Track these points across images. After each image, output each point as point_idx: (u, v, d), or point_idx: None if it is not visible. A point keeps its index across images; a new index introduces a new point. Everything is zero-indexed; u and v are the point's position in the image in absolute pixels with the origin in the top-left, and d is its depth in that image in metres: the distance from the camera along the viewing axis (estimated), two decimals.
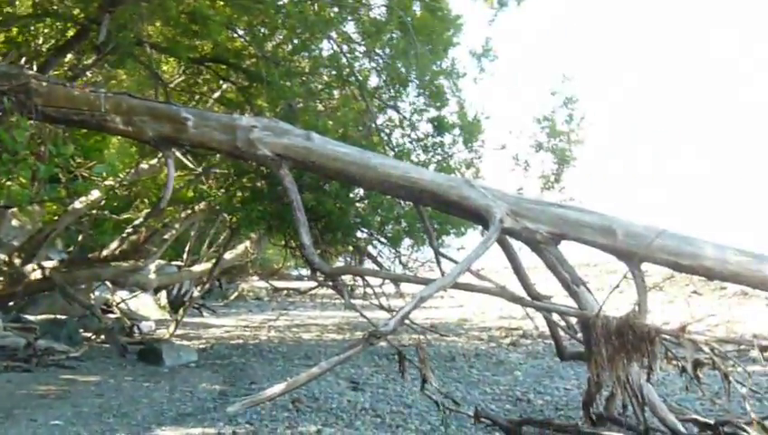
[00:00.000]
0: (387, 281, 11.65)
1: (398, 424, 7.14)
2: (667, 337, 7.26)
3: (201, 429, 6.78)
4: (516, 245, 7.80)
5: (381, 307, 10.52)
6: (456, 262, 8.14)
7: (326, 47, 11.71)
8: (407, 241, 12.32)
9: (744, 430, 6.14)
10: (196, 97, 13.63)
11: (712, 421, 6.51)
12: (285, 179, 7.60)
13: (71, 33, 11.92)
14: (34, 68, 10.38)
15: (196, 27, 10.82)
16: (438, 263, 9.05)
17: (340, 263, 13.97)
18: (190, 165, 12.94)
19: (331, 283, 9.43)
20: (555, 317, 8.19)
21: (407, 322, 6.51)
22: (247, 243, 18.25)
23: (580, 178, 12.54)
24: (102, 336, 13.15)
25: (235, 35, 12.13)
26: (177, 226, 15.26)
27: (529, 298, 7.60)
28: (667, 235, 7.25)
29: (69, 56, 12.30)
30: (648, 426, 6.56)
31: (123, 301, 17.14)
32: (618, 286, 6.55)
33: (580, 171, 12.49)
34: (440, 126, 11.40)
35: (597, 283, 27.04)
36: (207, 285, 18.64)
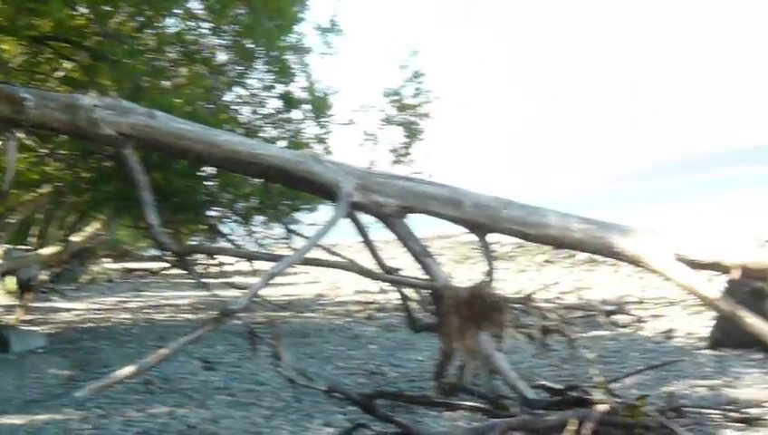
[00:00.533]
0: (241, 259, 11.58)
1: (251, 402, 7.12)
2: (516, 305, 7.44)
3: (49, 415, 6.62)
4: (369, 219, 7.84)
5: (232, 285, 10.46)
6: (307, 238, 8.16)
7: (171, 24, 11.50)
8: (259, 218, 12.26)
9: (590, 394, 6.33)
10: (38, 77, 13.20)
11: (560, 386, 6.69)
12: (130, 159, 7.44)
13: None
14: None
15: (35, 5, 10.47)
16: (289, 239, 9.05)
17: (194, 242, 13.82)
18: (34, 145, 12.55)
19: (181, 262, 9.32)
20: (408, 290, 8.29)
21: (261, 299, 6.52)
22: (97, 224, 17.85)
23: (430, 152, 12.71)
24: None
25: (77, 13, 11.78)
26: (22, 209, 14.81)
27: (379, 271, 7.67)
28: (513, 205, 7.42)
29: None
30: (498, 394, 6.70)
31: None
32: (462, 256, 6.64)
33: (429, 145, 12.66)
34: (289, 102, 11.36)
35: (452, 254, 27.49)
36: (57, 269, 18.17)
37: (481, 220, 7.32)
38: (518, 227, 7.39)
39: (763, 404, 6.82)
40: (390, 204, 7.35)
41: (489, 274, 7.23)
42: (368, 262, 8.01)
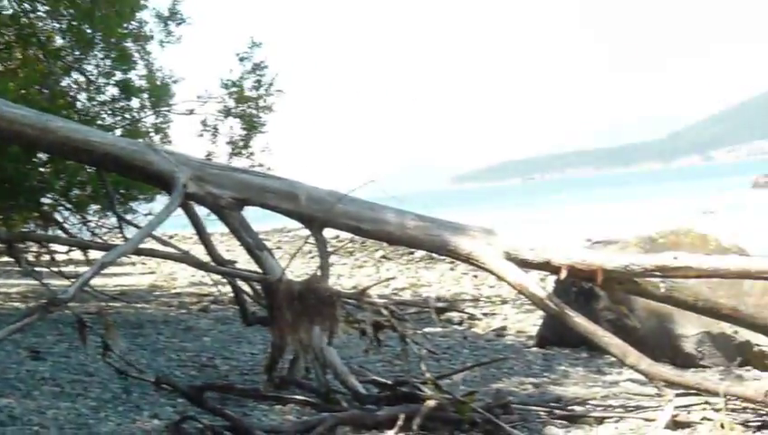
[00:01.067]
0: (73, 248, 11.33)
1: (79, 393, 6.99)
2: (349, 300, 7.52)
3: None
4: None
5: (63, 274, 10.22)
6: (140, 228, 8.06)
7: (6, 6, 11.17)
8: (94, 207, 12.03)
9: (420, 389, 6.47)
10: None
11: (390, 382, 6.81)
12: None
13: None
14: None
15: None
16: (122, 229, 8.92)
17: (25, 230, 13.44)
18: None
19: (10, 249, 9.07)
20: (244, 283, 8.28)
21: (93, 289, 6.40)
22: None
23: (271, 145, 12.72)
24: None
25: None
26: None
27: (213, 264, 7.66)
28: (348, 200, 7.50)
29: None
30: (329, 388, 6.77)
31: None
32: (300, 251, 6.69)
33: (270, 138, 12.66)
34: (127, 90, 11.19)
35: (290, 248, 27.49)
36: None
37: (316, 214, 7.38)
38: (353, 221, 7.48)
39: (588, 402, 7.11)
40: (226, 196, 7.34)
41: (324, 268, 7.30)
42: (205, 254, 7.98)
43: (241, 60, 12.13)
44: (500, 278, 7.49)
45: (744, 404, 6.50)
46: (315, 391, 6.83)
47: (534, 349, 10.04)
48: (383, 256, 25.27)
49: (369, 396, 6.63)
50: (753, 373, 8.53)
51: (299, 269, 17.15)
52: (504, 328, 11.79)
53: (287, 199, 7.45)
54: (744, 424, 6.33)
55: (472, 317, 12.58)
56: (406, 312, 8.03)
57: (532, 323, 11.73)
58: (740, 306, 7.32)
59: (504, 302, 14.46)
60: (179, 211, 7.36)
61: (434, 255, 11.37)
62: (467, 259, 7.40)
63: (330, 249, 7.86)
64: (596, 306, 9.00)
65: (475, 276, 18.62)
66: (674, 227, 10.03)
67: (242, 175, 7.62)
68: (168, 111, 11.49)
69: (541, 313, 9.73)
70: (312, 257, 20.94)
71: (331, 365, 6.85)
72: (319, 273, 7.28)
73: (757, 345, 8.64)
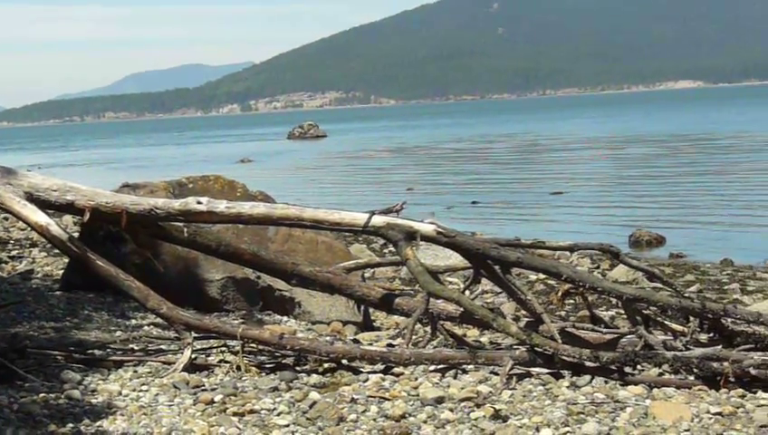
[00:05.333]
0: None
1: None
2: None
3: None
4: None
5: None
6: None
7: None
8: None
9: None
10: None
11: None
12: None
13: None
14: None
15: None
16: None
17: None
18: None
19: None
20: None
21: None
22: None
23: None
24: None
25: None
26: None
27: None
28: None
29: None
30: None
31: None
32: None
33: None
34: None
35: None
36: None
37: None
38: None
39: (108, 346, 7.01)
40: None
41: None
42: None
43: None
44: (20, 219, 7.18)
45: (261, 347, 6.74)
46: None
47: (59, 293, 9.73)
48: None
49: None
50: (273, 317, 8.87)
51: None
52: (30, 271, 11.31)
53: None
54: (260, 366, 6.58)
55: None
56: None
57: (60, 266, 11.36)
58: (261, 252, 7.53)
59: (35, 245, 13.88)
60: None
61: None
62: None
63: None
64: (124, 250, 8.87)
65: (6, 218, 17.71)
66: (204, 174, 10.13)
67: None
68: None
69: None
70: None
71: None
72: None
73: (278, 290, 8.98)
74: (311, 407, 5.59)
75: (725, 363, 5.98)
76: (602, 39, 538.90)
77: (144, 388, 6.10)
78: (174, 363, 6.46)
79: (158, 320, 7.29)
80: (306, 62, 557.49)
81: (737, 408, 5.58)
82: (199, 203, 7.06)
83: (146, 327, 7.95)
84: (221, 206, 7.13)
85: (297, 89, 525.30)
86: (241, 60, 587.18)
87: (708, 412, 5.50)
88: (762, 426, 5.27)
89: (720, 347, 6.28)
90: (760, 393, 5.86)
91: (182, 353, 6.52)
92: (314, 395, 5.86)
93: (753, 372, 5.95)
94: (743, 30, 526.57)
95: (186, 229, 7.27)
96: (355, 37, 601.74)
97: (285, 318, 8.90)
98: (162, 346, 7.07)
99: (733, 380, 5.95)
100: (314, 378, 6.32)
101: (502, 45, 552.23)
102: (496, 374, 6.17)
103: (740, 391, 5.88)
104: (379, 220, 6.91)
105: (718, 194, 23.99)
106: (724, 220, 19.15)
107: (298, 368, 6.55)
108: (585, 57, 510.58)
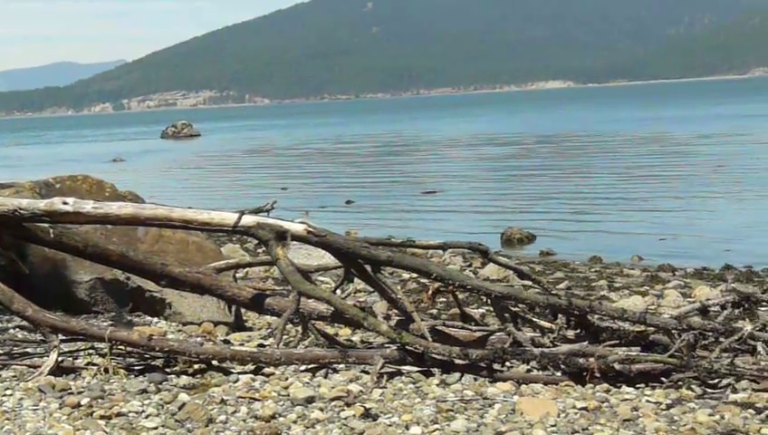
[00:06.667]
0: None
1: None
2: None
3: None
4: None
5: None
6: None
7: None
8: None
9: None
10: None
11: None
12: None
13: None
14: None
15: None
16: None
17: None
18: None
19: None
20: None
21: None
22: None
23: None
24: None
25: None
26: None
27: None
28: None
29: None
30: None
31: None
32: None
33: None
34: None
35: None
36: None
37: None
38: None
39: None
40: None
41: None
42: None
43: None
44: None
45: (130, 349, 6.63)
46: None
47: None
48: None
49: None
50: (144, 319, 8.74)
51: None
52: None
53: None
54: (128, 368, 6.47)
55: None
56: None
57: None
58: (130, 253, 7.40)
59: None
60: None
61: None
62: None
63: None
64: None
65: None
66: (73, 174, 9.90)
67: None
68: None
69: None
70: None
71: None
72: None
73: (149, 291, 8.84)
74: (180, 409, 5.53)
75: (591, 359, 6.13)
76: (476, 39, 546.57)
77: (8, 392, 5.94)
78: (40, 367, 6.31)
79: (25, 323, 7.10)
80: (180, 60, 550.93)
81: (602, 403, 5.73)
82: (65, 203, 6.91)
83: (11, 330, 7.73)
84: (87, 206, 6.98)
85: (171, 88, 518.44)
86: (113, 58, 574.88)
87: (574, 407, 5.63)
88: (625, 420, 5.43)
89: (586, 343, 6.43)
90: (624, 388, 6.03)
91: (48, 357, 6.37)
92: (184, 397, 5.80)
93: (617, 367, 6.12)
94: (610, 32, 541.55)
95: (52, 230, 7.09)
96: (229, 36, 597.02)
97: (156, 319, 8.77)
98: (28, 349, 6.91)
99: (598, 375, 6.10)
100: (184, 379, 6.25)
101: (376, 45, 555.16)
102: (367, 373, 6.20)
103: (605, 386, 6.04)
104: (249, 220, 6.88)
105: (588, 192, 24.61)
106: (594, 218, 19.65)
107: (168, 370, 6.47)
108: (459, 57, 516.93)
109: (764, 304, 7.48)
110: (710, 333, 6.54)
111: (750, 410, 5.57)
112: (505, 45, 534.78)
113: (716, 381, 6.11)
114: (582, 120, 71.25)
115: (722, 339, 6.45)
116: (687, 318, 6.74)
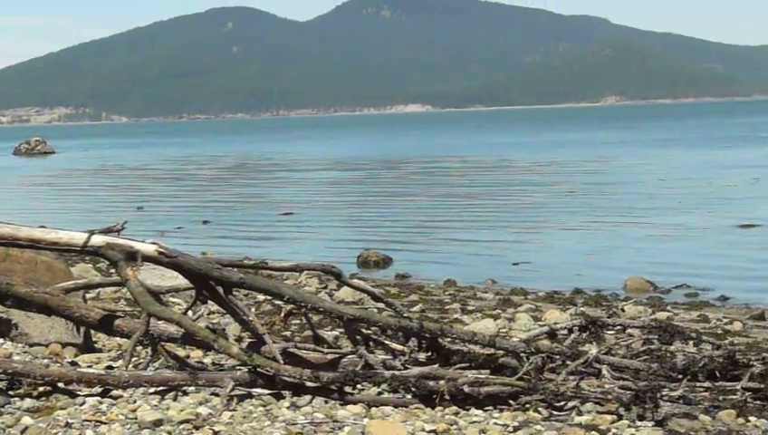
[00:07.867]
0: None
1: None
2: None
3: None
4: None
5: None
6: None
7: None
8: None
9: None
10: None
11: None
12: None
13: None
14: None
15: None
16: None
17: None
18: None
19: None
20: None
21: None
22: None
23: None
24: None
25: None
26: None
27: None
28: None
29: None
30: None
31: None
32: None
33: None
34: None
35: None
36: None
37: None
38: None
39: None
40: None
41: None
42: None
43: None
44: None
45: None
46: None
47: None
48: None
49: None
50: None
51: None
52: None
53: None
54: None
55: None
56: None
57: None
58: None
59: None
60: None
61: None
62: None
63: None
64: None
65: None
66: None
67: None
68: None
69: None
70: None
71: None
72: None
73: None
74: (22, 432, 5.39)
75: (441, 382, 6.21)
76: (335, 62, 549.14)
77: None
78: None
79: None
80: (34, 76, 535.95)
81: (451, 425, 5.80)
82: None
83: None
84: None
85: (24, 103, 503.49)
86: None
87: (423, 430, 5.70)
88: None
89: (437, 366, 6.51)
90: (473, 411, 6.13)
91: None
92: (27, 420, 5.65)
93: (466, 389, 6.21)
94: (469, 58, 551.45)
95: None
96: (85, 52, 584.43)
97: (1, 341, 8.49)
98: None
99: (448, 398, 6.18)
100: (28, 402, 6.08)
101: (236, 65, 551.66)
102: (217, 396, 6.14)
103: (454, 408, 6.13)
104: (98, 240, 6.75)
105: (444, 216, 24.98)
106: (449, 242, 19.91)
107: (11, 392, 6.28)
108: (319, 79, 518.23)
109: (610, 328, 7.71)
110: (557, 357, 6.72)
111: (594, 432, 5.74)
112: (366, 69, 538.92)
113: (562, 403, 6.25)
114: (434, 146, 72.33)
115: (568, 362, 6.62)
116: (536, 341, 6.92)
